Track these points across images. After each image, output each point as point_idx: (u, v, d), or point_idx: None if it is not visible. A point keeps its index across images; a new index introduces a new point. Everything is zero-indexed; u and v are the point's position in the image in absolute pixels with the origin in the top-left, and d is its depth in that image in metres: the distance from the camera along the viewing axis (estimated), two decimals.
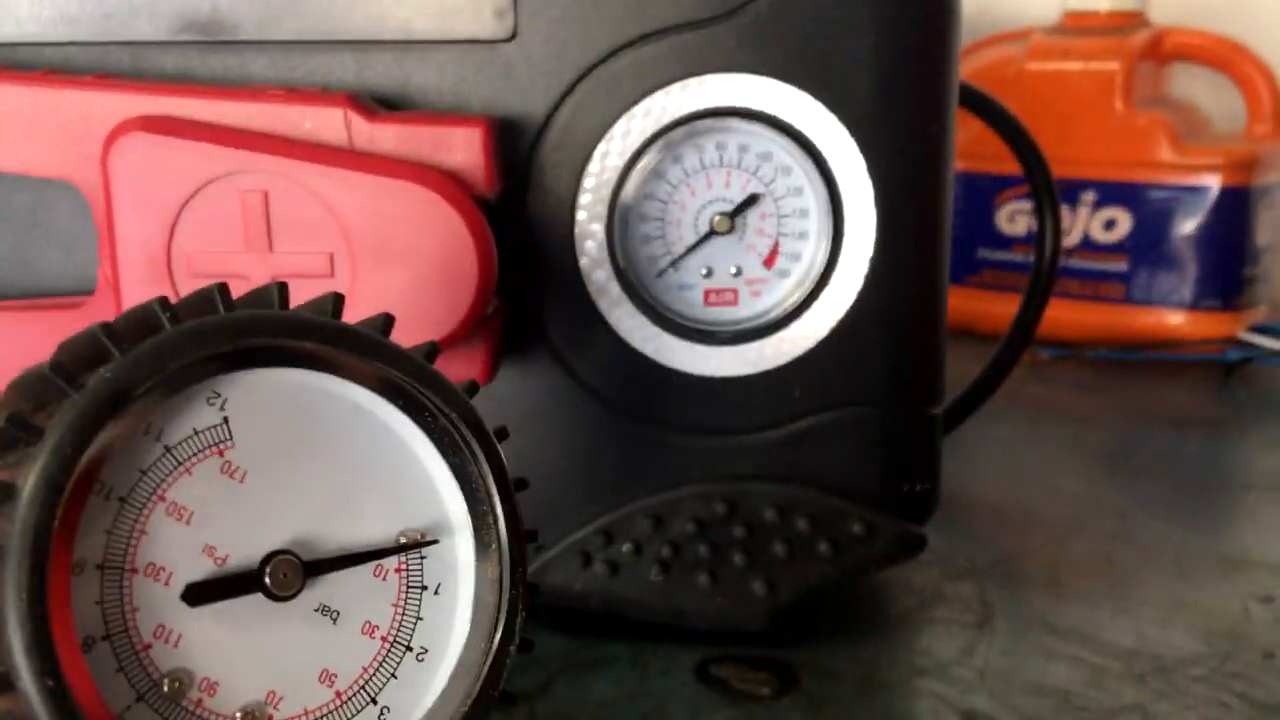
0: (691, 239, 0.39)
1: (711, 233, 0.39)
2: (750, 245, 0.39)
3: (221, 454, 0.26)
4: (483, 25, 0.37)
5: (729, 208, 0.39)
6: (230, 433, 0.26)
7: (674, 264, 0.39)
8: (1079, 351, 0.77)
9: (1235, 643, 0.41)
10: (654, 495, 0.39)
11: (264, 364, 0.26)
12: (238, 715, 0.26)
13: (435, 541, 0.28)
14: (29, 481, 0.23)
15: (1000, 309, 0.79)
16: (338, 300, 0.27)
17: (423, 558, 0.28)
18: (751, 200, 0.39)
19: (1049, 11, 0.85)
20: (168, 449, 0.25)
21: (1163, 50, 0.79)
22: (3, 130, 0.34)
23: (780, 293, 0.39)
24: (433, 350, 0.28)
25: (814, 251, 0.39)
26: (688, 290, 0.39)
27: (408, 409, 0.27)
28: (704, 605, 0.39)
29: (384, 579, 0.27)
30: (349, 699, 0.27)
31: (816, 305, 0.39)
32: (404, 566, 0.28)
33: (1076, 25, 0.80)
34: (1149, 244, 0.77)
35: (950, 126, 0.39)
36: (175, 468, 0.25)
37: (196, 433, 0.25)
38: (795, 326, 0.39)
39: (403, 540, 0.27)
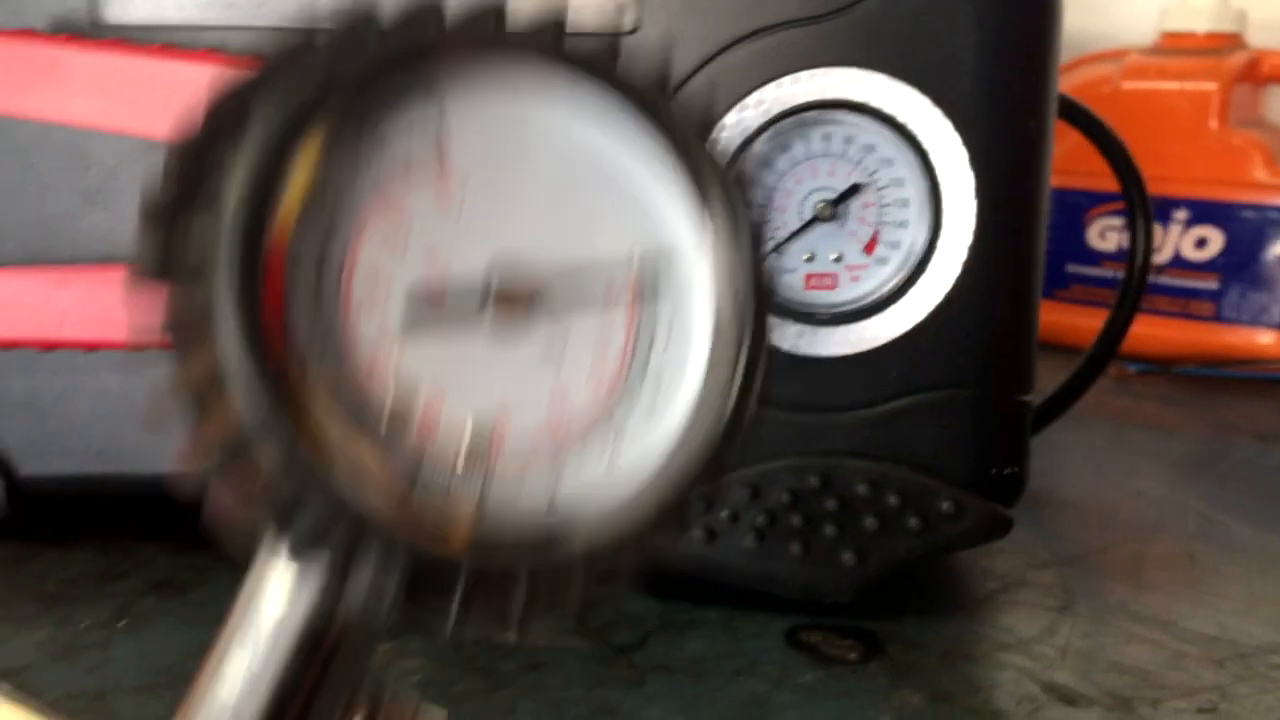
0: (795, 225, 0.41)
1: (815, 219, 0.41)
2: (851, 232, 0.41)
3: (441, 156, 0.23)
4: (607, 19, 0.39)
5: (833, 196, 0.41)
6: (449, 131, 0.23)
7: (777, 248, 0.41)
8: (1167, 367, 0.78)
9: None
10: (751, 467, 0.41)
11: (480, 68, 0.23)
12: (464, 433, 0.23)
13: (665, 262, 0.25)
14: (237, 164, 0.20)
15: (1088, 324, 0.80)
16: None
17: (656, 279, 0.25)
18: (854, 190, 0.41)
19: (1146, 32, 0.85)
20: (384, 142, 0.22)
21: (1259, 72, 0.79)
22: (171, 102, 0.38)
23: (879, 279, 0.41)
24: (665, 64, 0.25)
25: (913, 240, 0.41)
26: (790, 274, 0.41)
27: (637, 122, 0.24)
28: (795, 573, 0.41)
29: (614, 301, 0.25)
30: (584, 423, 0.24)
31: (913, 291, 0.40)
32: (636, 287, 0.25)
33: (1173, 46, 0.81)
34: (1240, 263, 0.78)
35: (1049, 123, 0.40)
36: (393, 164, 0.22)
37: (413, 128, 0.22)
38: (892, 311, 0.40)
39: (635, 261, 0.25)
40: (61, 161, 0.42)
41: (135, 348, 0.41)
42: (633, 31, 0.39)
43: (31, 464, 0.44)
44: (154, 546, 0.46)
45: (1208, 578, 0.47)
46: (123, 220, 0.42)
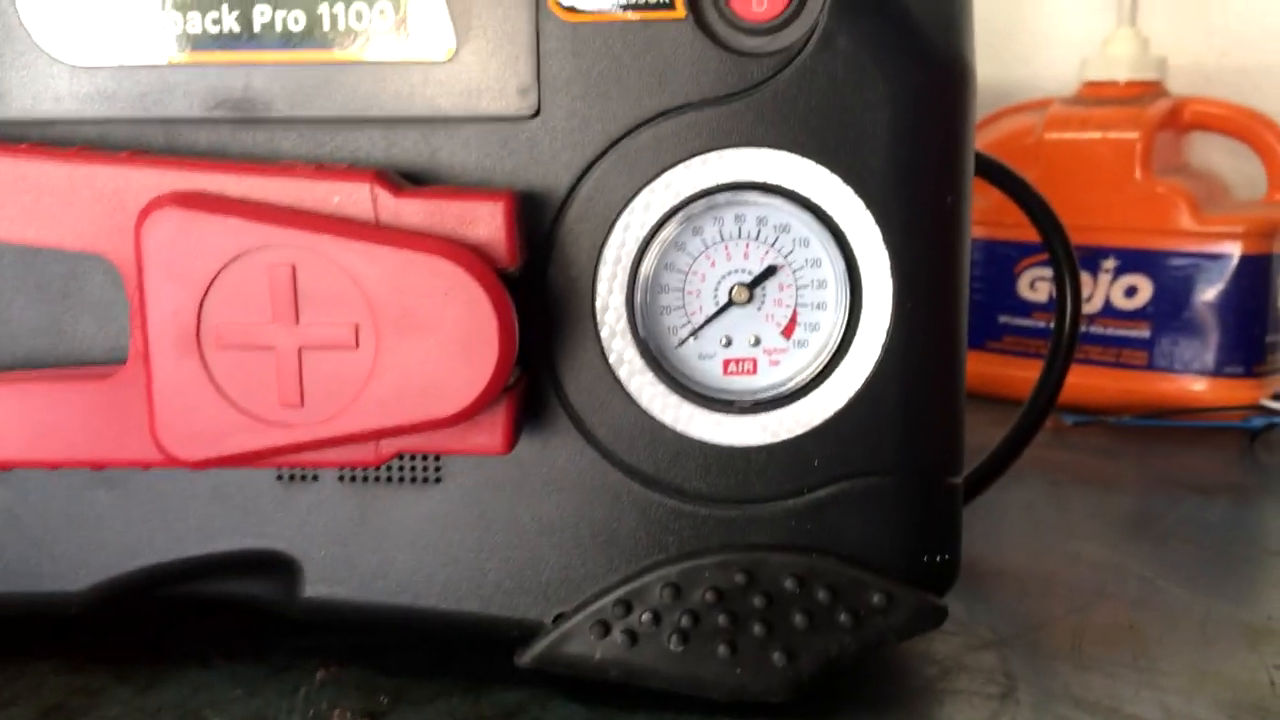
0: (711, 309, 0.39)
1: (731, 303, 0.39)
2: (769, 315, 0.39)
3: None
4: (507, 103, 0.38)
5: (748, 279, 0.39)
6: None
7: (694, 334, 0.39)
8: (1102, 418, 0.77)
9: (1262, 718, 0.41)
10: (673, 564, 0.39)
11: None
12: None
13: None
14: None
15: (1022, 374, 0.79)
16: None
17: None
18: (770, 271, 0.39)
19: (1067, 81, 0.86)
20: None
21: (1182, 120, 0.79)
22: (40, 205, 0.35)
23: (799, 362, 0.40)
24: None
25: (832, 322, 0.39)
26: (707, 360, 0.40)
27: None
28: (723, 676, 0.39)
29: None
30: None
31: (835, 375, 0.39)
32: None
33: (1095, 95, 0.81)
34: (1170, 311, 0.77)
35: (967, 197, 0.39)
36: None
37: None
38: (814, 396, 0.39)
39: None
40: None
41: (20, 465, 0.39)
42: (534, 115, 0.38)
43: None
44: (46, 666, 0.43)
45: (1150, 651, 0.46)
46: (6, 324, 0.40)
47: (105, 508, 0.41)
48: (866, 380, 0.39)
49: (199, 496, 0.40)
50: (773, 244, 0.39)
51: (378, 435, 0.35)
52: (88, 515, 0.41)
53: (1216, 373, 0.77)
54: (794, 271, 0.39)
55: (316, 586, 0.41)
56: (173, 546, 0.41)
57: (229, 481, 0.40)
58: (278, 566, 0.41)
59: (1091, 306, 0.80)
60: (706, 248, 0.39)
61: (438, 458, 0.39)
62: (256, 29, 0.38)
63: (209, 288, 0.34)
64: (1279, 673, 0.44)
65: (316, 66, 0.38)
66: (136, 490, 0.40)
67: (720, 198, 0.38)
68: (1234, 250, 0.76)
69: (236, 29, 0.38)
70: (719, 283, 0.39)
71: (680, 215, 0.38)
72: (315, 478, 0.40)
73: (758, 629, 0.39)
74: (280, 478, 0.40)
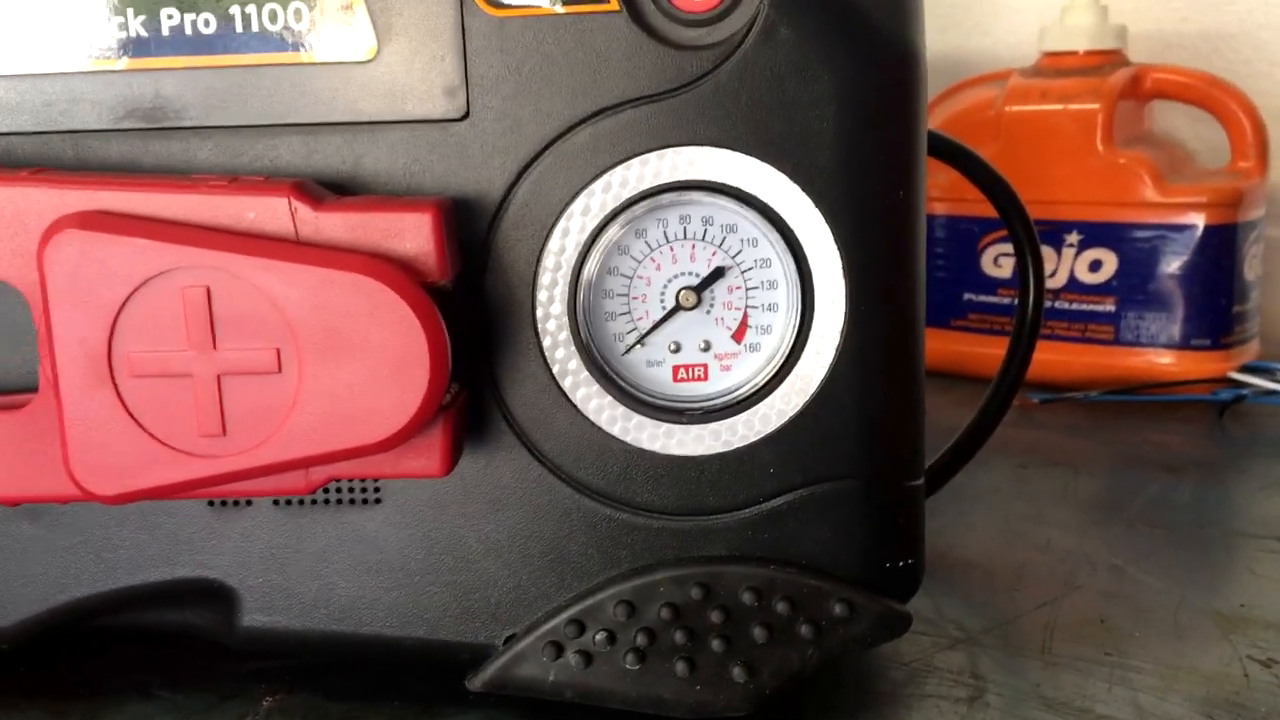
0: (658, 314, 0.38)
1: (678, 307, 0.37)
2: (719, 319, 0.38)
3: None
4: (434, 105, 0.36)
5: (695, 281, 0.37)
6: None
7: (641, 340, 0.38)
8: (1070, 395, 0.76)
9: (1236, 714, 0.39)
10: (626, 581, 0.38)
11: None
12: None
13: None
14: None
15: (987, 351, 0.78)
16: None
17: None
18: (718, 274, 0.37)
19: (1027, 52, 0.84)
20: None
21: (1143, 89, 0.78)
22: None
23: (752, 367, 0.38)
24: None
25: (785, 324, 0.37)
26: (656, 367, 0.38)
27: None
28: (683, 694, 0.38)
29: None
30: None
31: (788, 379, 0.37)
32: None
33: (1055, 66, 0.80)
34: (1135, 284, 0.76)
35: (920, 190, 0.38)
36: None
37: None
38: (767, 402, 0.37)
39: None
40: None
41: None
42: (463, 118, 0.36)
43: None
44: None
45: (1122, 646, 0.44)
46: None
47: (29, 540, 0.39)
48: (821, 384, 0.37)
49: (127, 525, 0.38)
50: (720, 244, 0.37)
51: (306, 463, 0.33)
52: (11, 548, 0.39)
53: (1184, 346, 0.76)
54: (743, 273, 0.37)
55: (255, 615, 0.39)
56: (102, 578, 0.39)
57: (158, 509, 0.38)
58: (214, 595, 0.39)
59: (1056, 281, 0.78)
60: (651, 250, 0.37)
61: (369, 479, 0.37)
62: (165, 33, 0.36)
63: (119, 313, 0.32)
64: (1253, 664, 0.43)
65: (229, 70, 0.36)
66: (61, 521, 0.38)
67: (664, 198, 0.37)
68: (1198, 221, 0.74)
69: (144, 34, 0.36)
70: (665, 286, 0.37)
71: (622, 218, 0.37)
72: (249, 503, 0.38)
73: (716, 644, 0.37)
74: (212, 504, 0.38)
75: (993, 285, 0.81)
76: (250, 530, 0.38)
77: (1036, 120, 0.78)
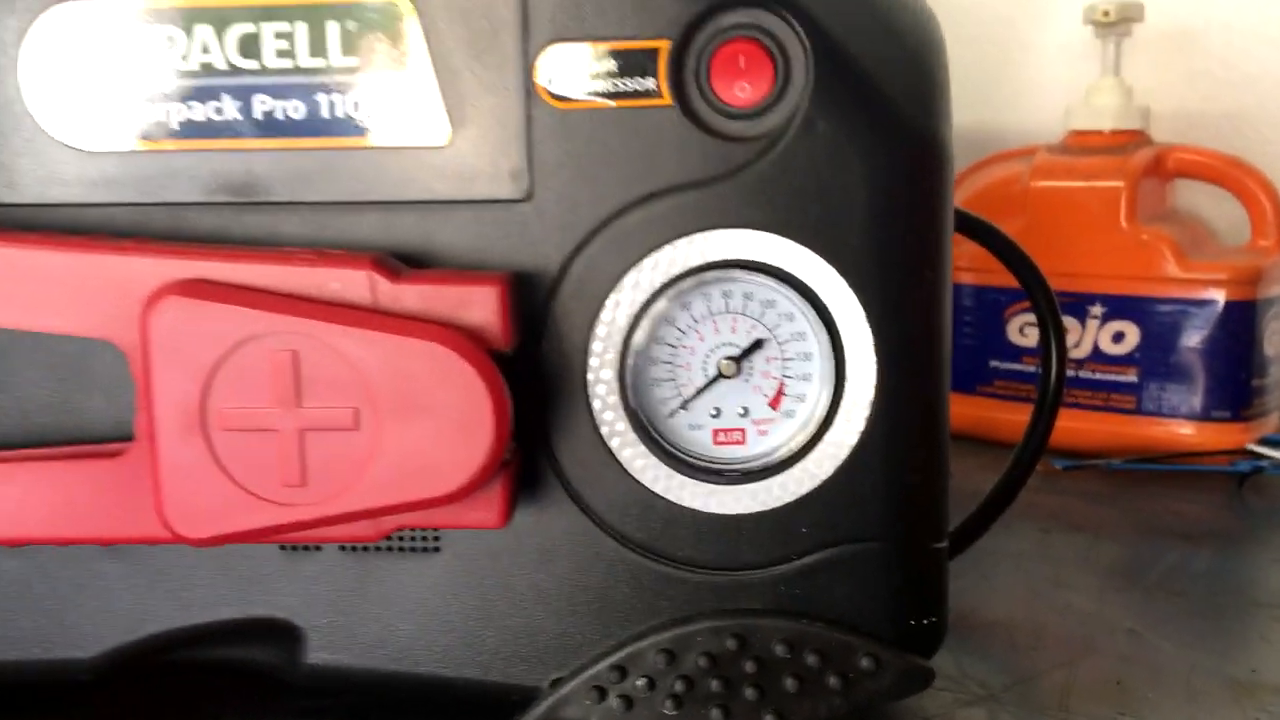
0: (700, 381, 0.41)
1: (720, 375, 0.40)
2: (756, 387, 0.41)
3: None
4: (500, 187, 0.39)
5: (735, 352, 0.40)
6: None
7: (684, 405, 0.41)
8: (1093, 462, 0.78)
9: None
10: (667, 630, 0.40)
11: None
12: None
13: None
14: None
15: (1012, 418, 0.81)
16: None
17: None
18: (756, 345, 0.40)
19: (1052, 127, 0.87)
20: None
21: (1165, 168, 0.81)
22: (48, 293, 0.37)
23: (786, 432, 0.41)
24: None
25: (818, 393, 0.40)
26: (697, 430, 0.41)
27: None
28: None
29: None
30: None
31: (821, 445, 0.40)
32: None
33: (1080, 144, 0.83)
34: (1157, 356, 0.78)
35: (946, 269, 0.41)
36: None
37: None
38: (801, 465, 0.40)
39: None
40: None
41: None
42: (527, 199, 0.39)
43: None
44: None
45: (1136, 706, 0.46)
46: (17, 401, 0.41)
47: (114, 578, 0.42)
48: (852, 450, 0.40)
49: (204, 566, 0.41)
50: (759, 318, 0.40)
51: (378, 513, 0.36)
52: (97, 585, 0.42)
53: (1204, 417, 0.78)
54: (780, 345, 0.40)
55: (318, 653, 0.42)
56: (179, 615, 0.42)
57: (233, 552, 0.41)
58: (281, 634, 0.42)
59: (1080, 351, 0.81)
60: (695, 322, 0.40)
61: (433, 529, 0.40)
62: (258, 117, 0.39)
63: (213, 373, 0.35)
64: None
65: (316, 153, 0.39)
66: (143, 561, 0.42)
67: (708, 275, 0.40)
68: (1219, 297, 0.77)
69: (239, 117, 0.39)
70: (708, 355, 0.40)
71: (669, 292, 0.40)
72: (318, 548, 0.41)
73: (750, 693, 0.40)
74: (283, 548, 0.41)
75: (1018, 353, 0.83)
76: (318, 573, 0.41)
77: (1062, 196, 0.81)
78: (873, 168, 0.39)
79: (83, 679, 0.43)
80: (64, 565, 0.42)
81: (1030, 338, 0.83)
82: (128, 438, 0.40)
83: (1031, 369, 0.83)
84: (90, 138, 0.40)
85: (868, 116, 0.39)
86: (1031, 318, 0.82)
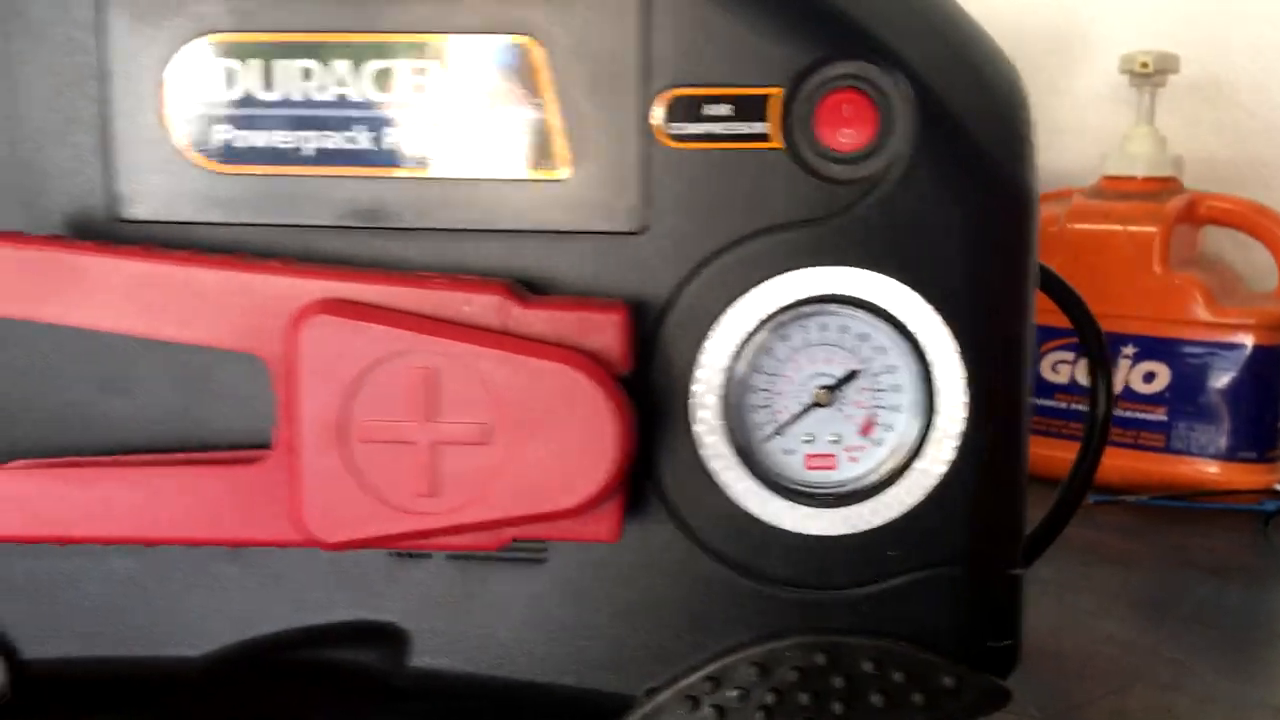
0: (796, 409, 0.43)
1: (814, 404, 0.43)
2: (848, 415, 0.43)
3: None
4: (617, 220, 0.41)
5: (830, 382, 0.43)
6: None
7: (779, 431, 0.43)
8: (1122, 498, 0.80)
9: None
10: (758, 645, 0.42)
11: None
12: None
13: None
14: None
15: (1044, 453, 0.82)
16: None
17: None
18: (851, 376, 0.43)
19: (1086, 169, 0.90)
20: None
21: (1197, 214, 0.84)
22: (198, 307, 0.39)
23: (874, 459, 0.43)
24: None
25: (907, 423, 0.43)
26: (791, 455, 0.43)
27: None
28: None
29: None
30: None
31: (910, 473, 0.42)
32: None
33: (1115, 189, 0.86)
34: (1187, 397, 0.81)
35: (1031, 311, 0.43)
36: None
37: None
38: (891, 492, 0.42)
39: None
40: (75, 348, 0.42)
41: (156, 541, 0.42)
42: (641, 232, 0.41)
43: (35, 647, 0.45)
44: None
45: None
46: (140, 408, 0.43)
47: (229, 579, 0.44)
48: (940, 479, 0.42)
49: (318, 570, 0.43)
50: (854, 350, 0.43)
51: (502, 524, 0.38)
52: (212, 585, 0.44)
53: (1231, 457, 0.80)
54: (873, 376, 0.43)
55: (423, 657, 0.44)
56: (291, 616, 0.44)
57: (346, 557, 0.43)
58: (388, 637, 0.44)
59: None
60: (793, 353, 0.43)
61: (544, 540, 0.42)
62: (388, 147, 0.42)
63: (356, 387, 0.37)
64: None
65: (443, 181, 0.41)
66: (259, 563, 0.44)
67: (806, 308, 0.42)
68: (1247, 341, 0.80)
69: (371, 147, 0.42)
70: (804, 384, 0.43)
71: (770, 324, 0.42)
72: (426, 555, 0.43)
73: (838, 707, 0.42)
74: (392, 554, 0.43)
75: (1051, 390, 0.86)
76: (427, 579, 0.43)
77: (1097, 239, 0.84)
78: (966, 211, 0.41)
79: (190, 677, 0.45)
80: (177, 565, 0.44)
81: (1063, 374, 0.85)
82: (245, 446, 0.42)
83: (1064, 405, 0.85)
84: (225, 160, 0.42)
85: (963, 164, 0.41)
86: (1066, 355, 0.85)
